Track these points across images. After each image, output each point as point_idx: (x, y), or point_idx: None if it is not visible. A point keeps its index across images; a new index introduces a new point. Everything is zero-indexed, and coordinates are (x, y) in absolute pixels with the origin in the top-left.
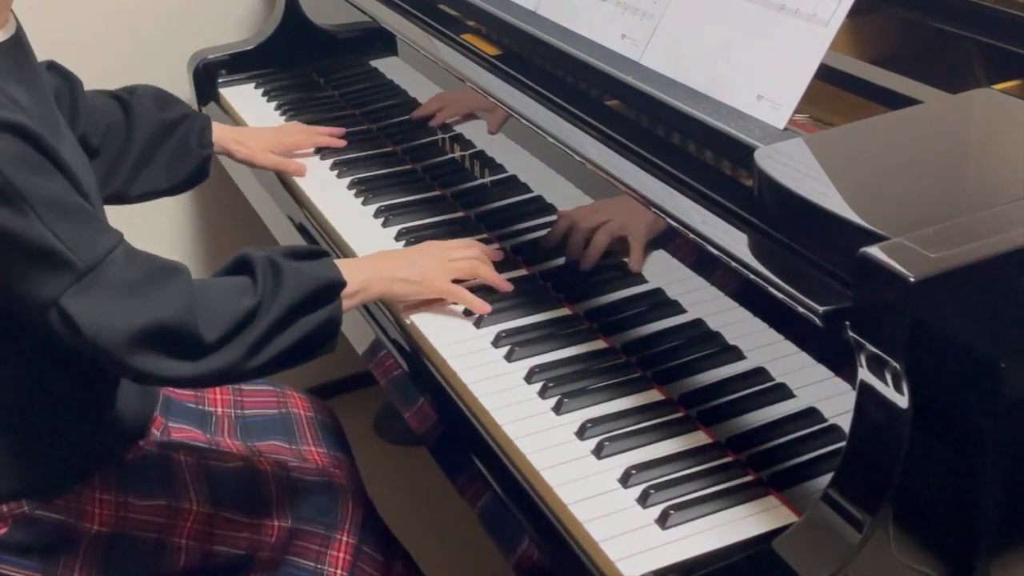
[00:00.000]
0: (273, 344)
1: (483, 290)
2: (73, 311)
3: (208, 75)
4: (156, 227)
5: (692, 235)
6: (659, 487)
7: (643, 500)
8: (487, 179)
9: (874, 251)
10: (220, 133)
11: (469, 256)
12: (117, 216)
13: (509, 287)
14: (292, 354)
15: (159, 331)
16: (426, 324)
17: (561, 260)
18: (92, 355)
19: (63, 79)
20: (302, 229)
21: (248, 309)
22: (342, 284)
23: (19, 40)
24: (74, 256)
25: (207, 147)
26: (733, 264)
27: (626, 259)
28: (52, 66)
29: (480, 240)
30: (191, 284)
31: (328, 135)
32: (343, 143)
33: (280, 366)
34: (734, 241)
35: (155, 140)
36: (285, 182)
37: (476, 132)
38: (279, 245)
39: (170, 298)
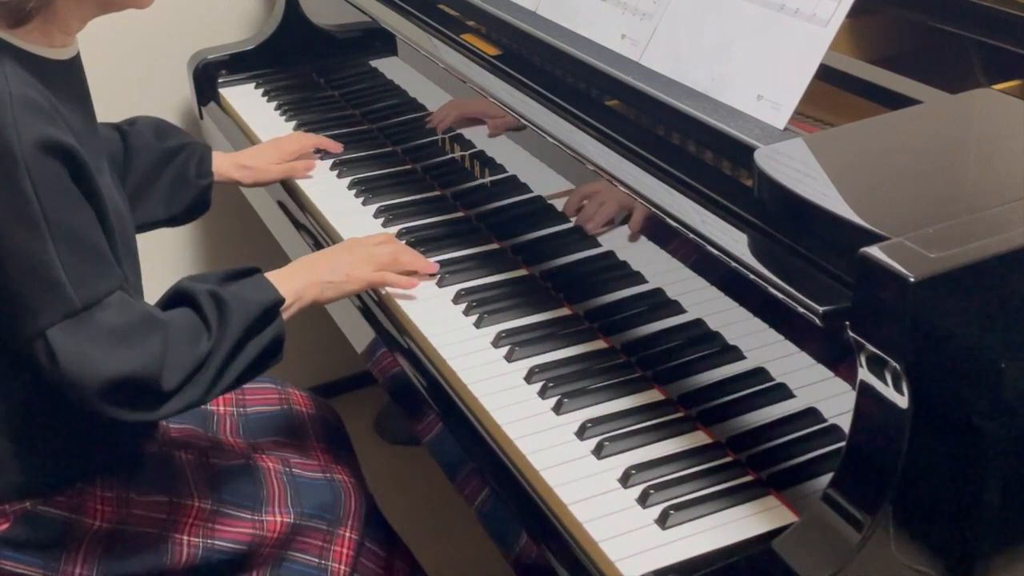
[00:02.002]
0: (226, 375)
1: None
2: (57, 345)
3: (208, 75)
4: (159, 231)
5: (692, 235)
6: (659, 487)
7: (643, 500)
8: (487, 179)
9: (874, 251)
10: (221, 162)
11: (388, 249)
12: None
13: (434, 268)
14: (244, 376)
15: (129, 382)
16: (426, 324)
17: (561, 260)
18: (61, 387)
19: None
20: (303, 229)
21: (204, 353)
22: (281, 302)
23: (79, 63)
24: (73, 292)
25: (206, 176)
26: (733, 264)
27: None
28: None
29: (480, 240)
30: (167, 339)
31: (326, 140)
32: (340, 147)
33: (236, 386)
34: (734, 241)
35: (153, 170)
36: (286, 183)
37: (476, 132)
38: (210, 273)
39: (145, 352)
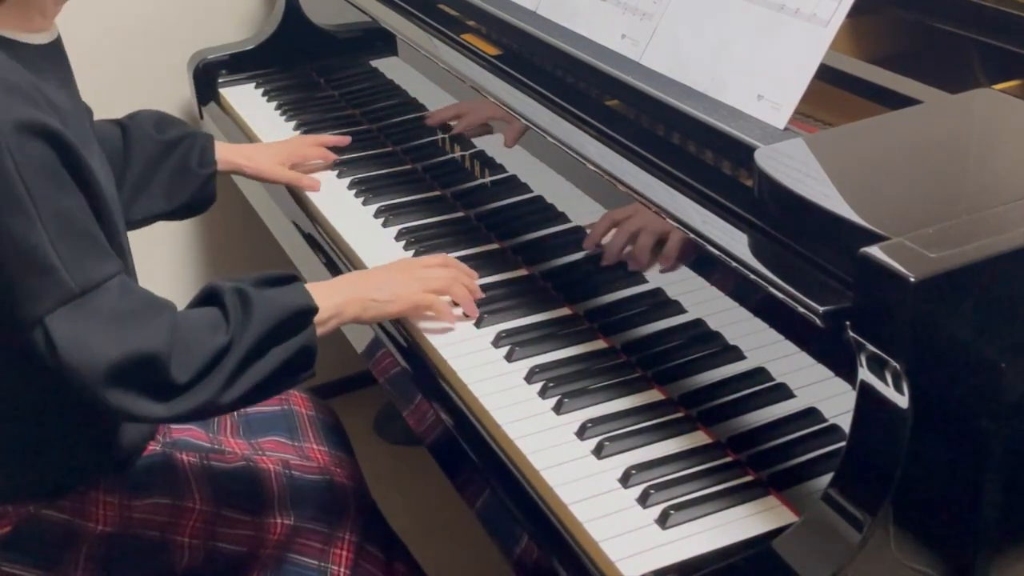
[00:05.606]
0: (247, 376)
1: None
2: (56, 332)
3: (208, 75)
4: (158, 226)
5: (692, 235)
6: (659, 487)
7: (643, 500)
8: (487, 179)
9: (874, 251)
10: (227, 152)
11: (443, 275)
12: None
13: (475, 313)
14: (268, 385)
15: (134, 365)
16: (426, 324)
17: (561, 260)
18: (68, 381)
19: None
20: (302, 229)
21: (220, 346)
22: (313, 310)
23: (60, 47)
24: (69, 277)
25: (208, 166)
26: (733, 264)
27: (635, 259)
28: None
29: (480, 240)
30: (175, 322)
31: (333, 138)
32: (348, 141)
33: (258, 397)
34: (734, 241)
35: (153, 162)
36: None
37: (476, 133)
38: (247, 274)
39: (151, 332)
